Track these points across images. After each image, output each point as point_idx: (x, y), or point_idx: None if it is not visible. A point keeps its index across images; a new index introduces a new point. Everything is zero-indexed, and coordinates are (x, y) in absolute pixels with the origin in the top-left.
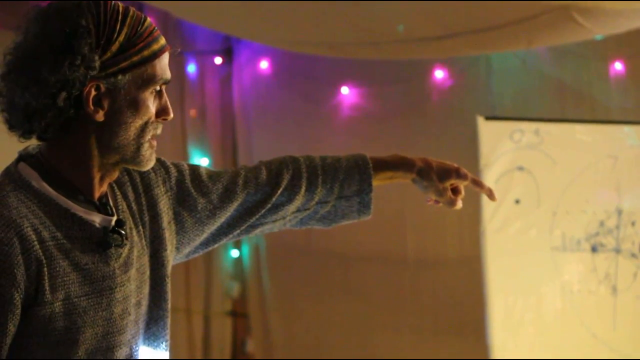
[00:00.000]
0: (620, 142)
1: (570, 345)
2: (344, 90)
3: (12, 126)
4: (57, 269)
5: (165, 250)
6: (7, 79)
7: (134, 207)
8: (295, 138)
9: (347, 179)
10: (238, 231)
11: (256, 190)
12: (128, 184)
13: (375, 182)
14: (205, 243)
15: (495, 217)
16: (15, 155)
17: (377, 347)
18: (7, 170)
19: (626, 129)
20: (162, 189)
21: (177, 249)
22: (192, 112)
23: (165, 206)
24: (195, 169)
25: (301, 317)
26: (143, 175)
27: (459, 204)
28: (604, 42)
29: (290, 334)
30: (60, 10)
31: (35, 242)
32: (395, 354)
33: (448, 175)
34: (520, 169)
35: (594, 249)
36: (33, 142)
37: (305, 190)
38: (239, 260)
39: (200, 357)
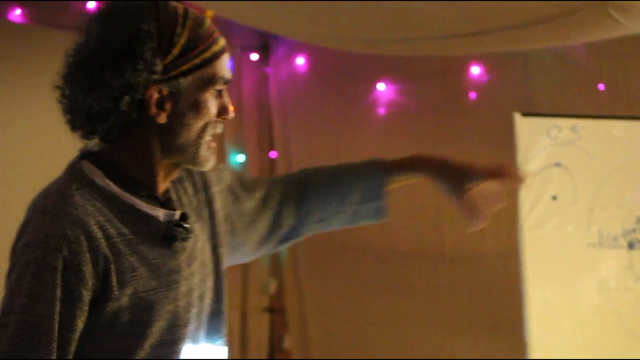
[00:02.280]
0: None
1: (607, 342)
2: (380, 86)
3: (74, 127)
4: (125, 264)
5: (222, 247)
6: (70, 81)
7: (194, 202)
8: (332, 134)
9: (361, 188)
10: (274, 243)
11: (285, 203)
12: (187, 180)
13: (392, 185)
14: (251, 252)
15: (532, 214)
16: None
17: (414, 344)
18: (71, 168)
19: None
20: (217, 189)
21: (230, 250)
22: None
23: (219, 205)
24: (241, 174)
25: (338, 313)
26: (201, 173)
27: (478, 222)
28: None
29: (327, 330)
30: (121, 14)
31: (102, 240)
32: (431, 350)
33: (465, 176)
34: (557, 165)
35: (630, 246)
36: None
37: (322, 203)
38: (275, 256)
39: (237, 353)
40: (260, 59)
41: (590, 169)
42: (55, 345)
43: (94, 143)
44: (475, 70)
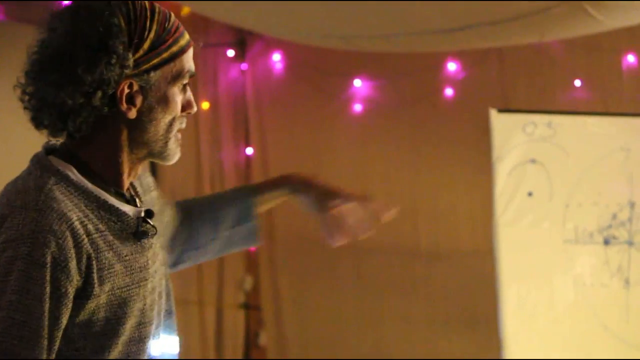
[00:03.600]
0: (632, 135)
1: (582, 338)
2: (357, 82)
3: (41, 124)
4: (104, 261)
5: (165, 247)
6: (37, 77)
7: (147, 202)
8: (308, 130)
9: (230, 212)
10: (169, 263)
11: (175, 232)
12: (136, 180)
13: (262, 207)
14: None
15: (507, 210)
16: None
17: (390, 339)
18: (40, 162)
19: (639, 121)
20: (155, 194)
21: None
22: (205, 105)
23: (156, 209)
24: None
25: (314, 310)
26: (142, 177)
27: (338, 239)
28: (617, 34)
29: (303, 326)
30: (92, 9)
31: (84, 236)
32: (407, 346)
33: (328, 196)
34: (533, 161)
35: (606, 242)
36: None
37: (198, 231)
38: (251, 252)
39: (213, 350)
40: (236, 55)
41: (566, 165)
42: (45, 342)
43: (55, 140)
44: (452, 66)
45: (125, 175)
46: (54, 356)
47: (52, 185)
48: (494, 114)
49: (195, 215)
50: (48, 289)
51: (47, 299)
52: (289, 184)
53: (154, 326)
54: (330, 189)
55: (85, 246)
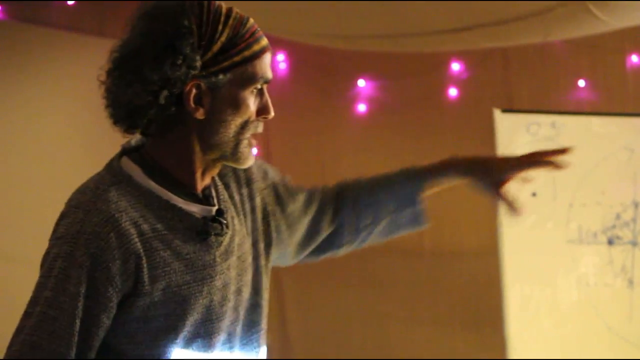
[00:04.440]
0: (636, 134)
1: (586, 338)
2: (361, 82)
3: (116, 121)
4: (157, 260)
5: (262, 242)
6: (113, 76)
7: (236, 197)
8: (312, 131)
9: (397, 196)
10: (310, 249)
11: (323, 211)
12: (231, 174)
13: (428, 191)
14: (292, 254)
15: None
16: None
17: (394, 339)
18: (110, 164)
19: None
20: (261, 185)
21: (276, 248)
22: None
23: (261, 202)
24: (284, 177)
25: (317, 309)
26: (246, 169)
27: (519, 212)
28: (621, 34)
29: (307, 326)
30: (165, 10)
31: (134, 236)
32: (411, 345)
33: (498, 170)
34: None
35: (610, 242)
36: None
37: (358, 214)
38: None
39: None
40: None
41: (570, 166)
42: (75, 339)
43: (136, 140)
44: (456, 66)
45: (197, 175)
46: (93, 353)
47: (109, 186)
48: (497, 113)
49: (357, 198)
50: (83, 289)
51: (82, 298)
52: (457, 169)
53: (227, 322)
54: (498, 163)
55: (133, 247)
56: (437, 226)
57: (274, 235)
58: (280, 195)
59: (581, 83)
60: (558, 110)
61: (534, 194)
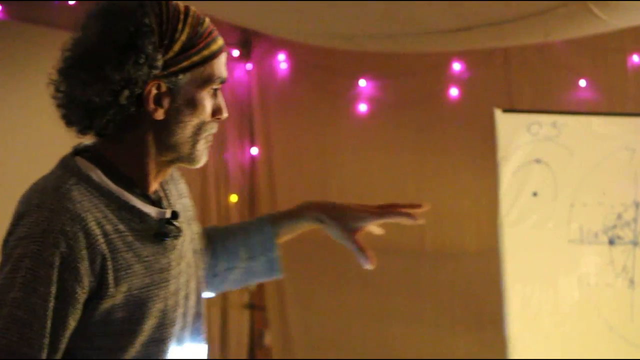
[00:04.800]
0: (637, 134)
1: (587, 338)
2: (362, 82)
3: (70, 122)
4: (121, 262)
5: (198, 253)
6: (67, 75)
7: (179, 206)
8: (313, 130)
9: (250, 242)
10: None
11: None
12: (170, 183)
13: (282, 237)
14: None
15: (512, 210)
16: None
17: (395, 339)
18: (65, 163)
19: None
20: (189, 202)
21: None
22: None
23: (191, 217)
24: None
25: (319, 310)
26: (179, 182)
27: (370, 261)
28: (622, 34)
29: (308, 326)
30: (123, 9)
31: (100, 237)
32: (412, 345)
33: (351, 217)
34: (538, 161)
35: (611, 242)
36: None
37: (213, 258)
38: None
39: (217, 349)
40: (241, 55)
41: (571, 165)
42: (46, 342)
43: (87, 141)
44: (457, 66)
45: (151, 177)
46: (60, 355)
47: (71, 186)
48: (498, 114)
49: (216, 243)
50: (54, 289)
51: (52, 299)
52: (311, 214)
53: (176, 328)
54: (353, 209)
55: (99, 247)
56: (438, 226)
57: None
58: (191, 219)
59: (582, 83)
60: (559, 110)
61: (535, 194)
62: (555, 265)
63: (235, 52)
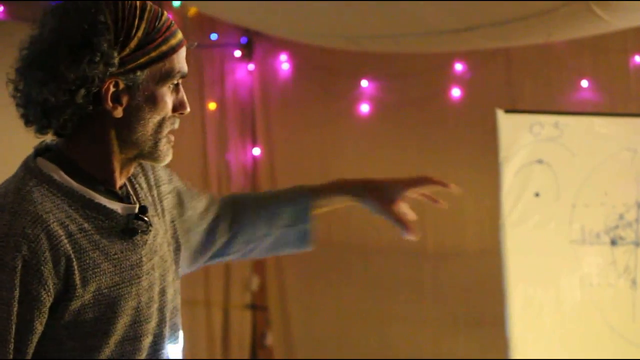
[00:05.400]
0: (639, 135)
1: (589, 338)
2: (364, 83)
3: (29, 121)
4: (87, 261)
5: (172, 245)
6: (24, 74)
7: (149, 198)
8: (315, 131)
9: (286, 211)
10: (206, 257)
11: (217, 221)
12: (141, 175)
13: (318, 210)
14: (187, 262)
15: (514, 210)
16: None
17: (397, 340)
18: (26, 165)
19: None
20: (167, 188)
21: (183, 252)
22: (212, 106)
23: (167, 205)
24: (185, 182)
25: (321, 310)
26: (154, 170)
27: (411, 232)
28: (624, 34)
29: (310, 327)
30: (78, 7)
31: (63, 237)
32: (414, 346)
33: (389, 190)
34: (540, 162)
35: (613, 242)
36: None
37: (250, 225)
38: None
39: (219, 350)
40: (242, 55)
41: (573, 166)
42: (11, 347)
43: (48, 141)
44: (459, 67)
45: (116, 174)
46: (28, 359)
47: (32, 187)
48: (500, 114)
49: (250, 209)
50: (17, 293)
51: (16, 303)
52: (348, 190)
53: (153, 324)
54: (389, 183)
55: (63, 248)
56: (440, 227)
57: (179, 239)
58: (182, 201)
59: (584, 83)
60: (561, 110)
61: (537, 194)
62: (557, 265)
63: (237, 53)
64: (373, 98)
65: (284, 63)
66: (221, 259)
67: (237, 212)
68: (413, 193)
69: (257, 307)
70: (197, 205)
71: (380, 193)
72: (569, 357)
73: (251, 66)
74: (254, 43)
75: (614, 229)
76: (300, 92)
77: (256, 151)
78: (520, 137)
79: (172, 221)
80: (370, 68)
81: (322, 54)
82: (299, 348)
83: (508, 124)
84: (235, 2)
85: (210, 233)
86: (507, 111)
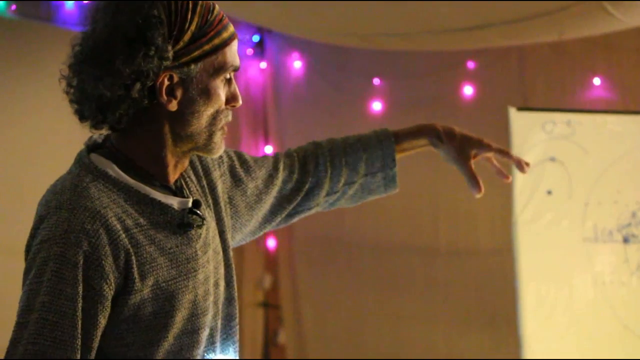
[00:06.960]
0: None
1: (602, 336)
2: (376, 81)
3: (83, 117)
4: (145, 255)
5: (228, 232)
6: (78, 70)
7: (199, 190)
8: (327, 129)
9: (370, 157)
10: (280, 219)
11: (290, 178)
12: (189, 167)
13: (400, 154)
14: (254, 231)
15: (527, 208)
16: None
17: (409, 338)
18: (80, 161)
19: None
20: (218, 173)
21: (233, 234)
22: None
23: (221, 190)
24: (241, 154)
25: (333, 308)
26: (201, 159)
27: (479, 189)
28: (636, 32)
29: (322, 325)
30: (132, 2)
31: (121, 232)
32: (426, 344)
33: (470, 143)
34: (552, 159)
35: (626, 240)
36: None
37: (331, 174)
38: (270, 251)
39: None
40: (255, 53)
41: (586, 164)
42: (79, 342)
43: (99, 136)
44: (471, 65)
45: (170, 168)
46: (93, 355)
47: (88, 183)
48: (513, 112)
49: (336, 158)
50: (81, 289)
51: (80, 299)
52: (430, 133)
53: (209, 316)
54: (470, 138)
55: (122, 242)
56: (453, 225)
57: (232, 221)
58: (238, 178)
59: (597, 81)
60: (573, 108)
61: (549, 192)
62: (570, 263)
63: (249, 51)
64: (385, 96)
65: (296, 61)
66: (301, 215)
67: (316, 164)
68: (491, 155)
69: (270, 305)
70: (259, 174)
71: (460, 144)
72: (582, 355)
73: (263, 64)
74: (266, 41)
75: (627, 226)
76: (312, 90)
77: (268, 149)
78: (533, 135)
79: (226, 205)
80: (382, 66)
81: (334, 52)
82: (311, 346)
83: (520, 122)
84: (247, 1)
85: (284, 195)
86: (520, 109)
